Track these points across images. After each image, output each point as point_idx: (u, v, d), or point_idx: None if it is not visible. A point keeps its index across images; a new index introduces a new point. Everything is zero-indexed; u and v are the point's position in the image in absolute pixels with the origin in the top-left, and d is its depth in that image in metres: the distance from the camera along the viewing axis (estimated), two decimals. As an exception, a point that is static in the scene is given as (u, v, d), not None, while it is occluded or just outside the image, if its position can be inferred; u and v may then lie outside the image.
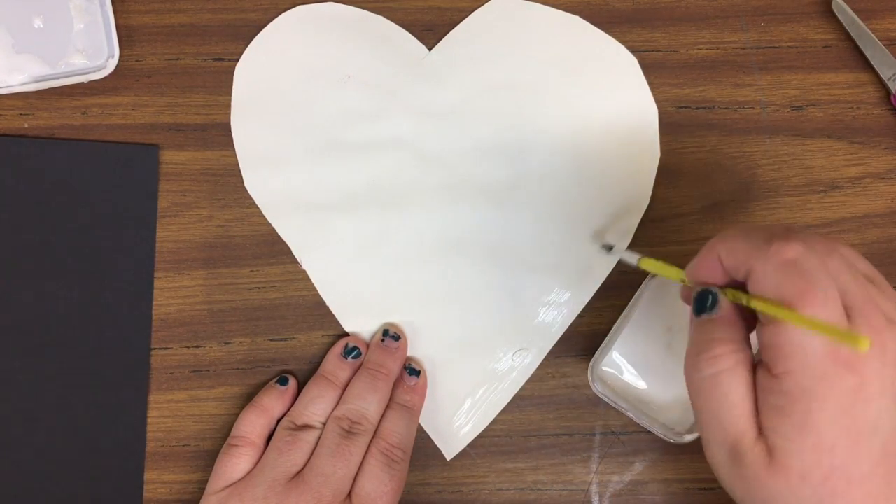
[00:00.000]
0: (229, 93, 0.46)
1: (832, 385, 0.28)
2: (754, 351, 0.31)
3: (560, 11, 0.46)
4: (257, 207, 0.45)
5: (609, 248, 0.44)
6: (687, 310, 0.42)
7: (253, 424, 0.42)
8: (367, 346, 0.44)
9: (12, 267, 0.44)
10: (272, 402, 0.43)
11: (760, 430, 0.29)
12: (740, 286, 0.31)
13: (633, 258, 0.39)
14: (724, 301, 0.31)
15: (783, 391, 0.29)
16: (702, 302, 0.32)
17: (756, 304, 0.30)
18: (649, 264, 0.37)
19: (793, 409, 0.28)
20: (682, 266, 0.35)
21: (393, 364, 0.43)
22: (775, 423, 0.29)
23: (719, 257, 0.32)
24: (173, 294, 0.45)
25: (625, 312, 0.42)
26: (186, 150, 0.45)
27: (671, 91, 0.46)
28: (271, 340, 0.45)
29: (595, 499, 0.44)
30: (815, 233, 0.32)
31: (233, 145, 0.45)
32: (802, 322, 0.28)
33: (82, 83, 0.45)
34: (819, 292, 0.28)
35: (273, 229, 0.45)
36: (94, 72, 0.44)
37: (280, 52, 0.46)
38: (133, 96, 0.46)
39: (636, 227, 0.45)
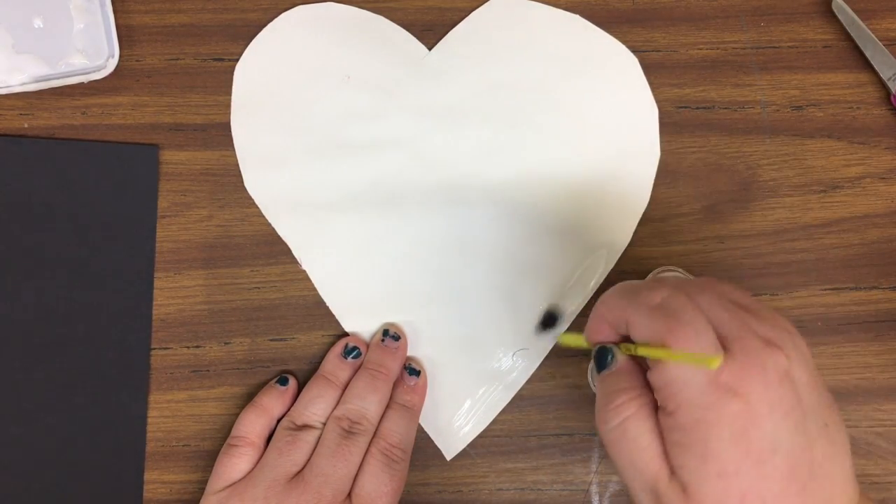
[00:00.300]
0: (229, 93, 0.46)
1: (720, 412, 0.29)
2: None
3: (560, 11, 0.46)
4: (257, 207, 0.45)
5: (545, 326, 0.45)
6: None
7: (253, 424, 0.42)
8: (367, 345, 0.44)
9: (12, 267, 0.44)
10: (272, 402, 0.43)
11: (672, 470, 0.30)
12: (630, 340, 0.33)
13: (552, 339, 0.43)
14: (619, 354, 0.33)
15: (679, 426, 0.30)
16: (601, 359, 0.34)
17: (641, 351, 0.31)
18: (566, 339, 0.38)
19: (691, 442, 0.29)
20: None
21: (393, 364, 0.43)
22: (680, 460, 0.30)
23: (604, 318, 0.33)
24: (173, 294, 0.45)
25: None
26: (186, 150, 0.45)
27: (671, 91, 0.46)
28: (271, 340, 0.45)
29: (595, 499, 0.44)
30: (687, 279, 0.34)
31: (233, 145, 0.45)
32: (661, 355, 0.30)
33: (82, 83, 0.45)
34: (685, 326, 0.30)
35: (273, 229, 0.45)
36: (94, 72, 0.44)
37: (280, 52, 0.46)
38: (133, 96, 0.46)
39: (636, 226, 0.45)
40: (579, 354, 0.45)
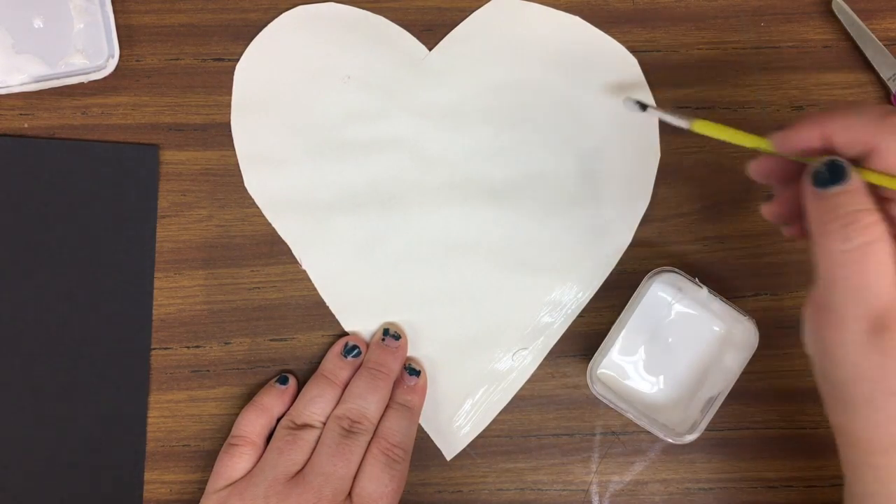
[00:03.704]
0: (229, 93, 0.46)
1: None
2: None
3: (560, 11, 0.46)
4: (257, 207, 0.45)
5: (643, 107, 0.41)
6: (685, 309, 0.42)
7: (253, 424, 0.42)
8: (367, 345, 0.44)
9: (12, 267, 0.44)
10: (272, 401, 0.43)
11: None
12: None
13: (681, 122, 0.37)
14: (854, 170, 0.30)
15: None
16: (834, 173, 0.30)
17: (878, 179, 0.29)
18: (707, 128, 0.35)
19: None
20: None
21: (393, 363, 0.43)
22: None
23: (823, 133, 0.31)
24: (173, 294, 0.45)
25: (623, 313, 0.42)
26: (186, 150, 0.45)
27: (671, 91, 0.46)
28: (271, 340, 0.45)
29: (595, 499, 0.44)
30: None
31: (233, 145, 0.45)
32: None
33: (82, 83, 0.45)
34: None
35: (273, 229, 0.45)
36: (94, 72, 0.44)
37: (280, 52, 0.46)
38: (133, 96, 0.46)
39: (636, 226, 0.45)
40: (578, 355, 0.45)
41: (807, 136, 0.32)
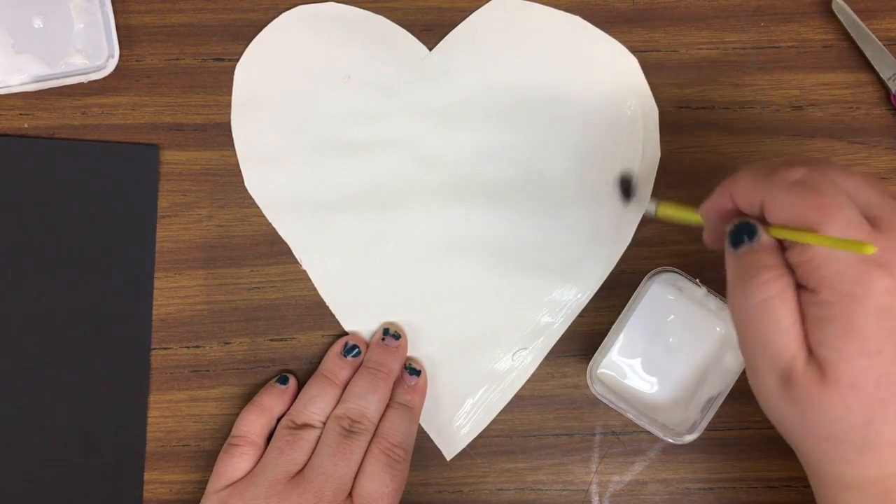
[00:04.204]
0: (229, 93, 0.46)
1: (868, 287, 0.28)
2: None
3: (560, 11, 0.46)
4: (257, 207, 0.45)
5: (627, 195, 0.42)
6: (685, 308, 0.42)
7: (253, 424, 0.42)
8: (367, 344, 0.44)
9: (12, 267, 0.44)
10: (272, 401, 0.43)
11: (810, 351, 0.29)
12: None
13: (651, 206, 0.39)
14: (762, 230, 0.31)
15: (822, 302, 0.29)
16: (740, 233, 0.32)
17: (775, 233, 0.30)
18: (668, 210, 0.38)
19: (834, 317, 0.29)
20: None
21: (394, 363, 0.43)
22: (821, 336, 0.29)
23: (731, 197, 0.33)
24: (173, 294, 0.45)
25: (623, 313, 0.42)
26: (186, 150, 0.45)
27: (671, 91, 0.46)
28: (271, 340, 0.45)
29: (595, 499, 0.44)
30: (835, 162, 0.32)
31: (233, 145, 0.45)
32: (806, 239, 0.29)
33: (82, 83, 0.45)
34: (830, 202, 0.29)
35: (273, 229, 0.45)
36: (94, 72, 0.44)
37: (280, 52, 0.46)
38: (133, 96, 0.46)
39: (636, 226, 0.45)
40: (578, 355, 0.45)
41: (721, 203, 0.33)
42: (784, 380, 0.30)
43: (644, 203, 0.42)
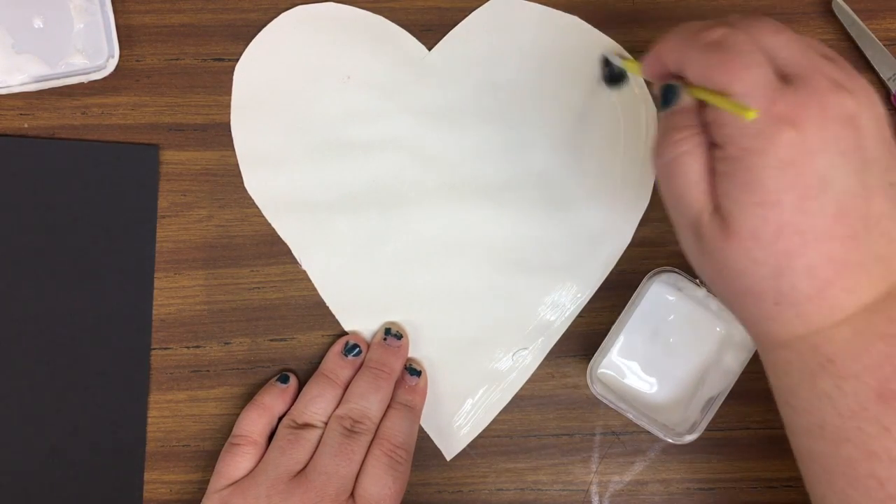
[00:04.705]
0: (229, 93, 0.46)
1: (771, 140, 0.28)
2: None
3: (559, 11, 0.46)
4: (257, 207, 0.45)
5: (605, 63, 0.45)
6: (685, 309, 0.42)
7: (254, 423, 0.42)
8: (368, 344, 0.44)
9: (12, 267, 0.44)
10: (273, 400, 0.43)
11: (717, 206, 0.30)
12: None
13: (618, 60, 0.43)
14: (684, 92, 0.32)
15: (728, 157, 0.30)
16: (665, 95, 0.33)
17: (695, 93, 0.31)
18: (631, 66, 0.40)
19: (736, 171, 0.29)
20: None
21: (395, 363, 0.43)
22: (723, 188, 0.30)
23: (661, 56, 0.33)
24: (173, 294, 0.45)
25: (623, 313, 0.42)
26: (186, 150, 0.45)
27: (671, 91, 0.46)
28: (271, 340, 0.45)
29: (595, 499, 0.44)
30: (770, 20, 0.33)
31: (233, 145, 0.45)
32: (704, 96, 0.30)
33: (82, 83, 0.45)
34: (737, 61, 0.29)
35: (273, 229, 0.45)
36: (94, 72, 0.44)
37: (280, 52, 0.46)
38: (133, 96, 0.46)
39: (636, 226, 0.45)
40: (578, 355, 0.45)
41: (652, 64, 0.34)
42: (695, 233, 0.31)
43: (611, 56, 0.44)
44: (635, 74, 0.41)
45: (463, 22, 0.46)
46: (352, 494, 0.40)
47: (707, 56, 0.30)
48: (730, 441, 0.44)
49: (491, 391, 0.45)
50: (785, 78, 0.29)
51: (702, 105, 0.31)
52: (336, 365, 0.43)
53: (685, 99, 0.32)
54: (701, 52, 0.31)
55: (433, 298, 0.45)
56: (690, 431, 0.40)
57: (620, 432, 0.45)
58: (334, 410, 0.42)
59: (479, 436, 0.45)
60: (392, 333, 0.44)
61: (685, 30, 0.32)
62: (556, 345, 0.45)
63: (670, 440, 0.40)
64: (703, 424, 0.40)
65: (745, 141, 0.29)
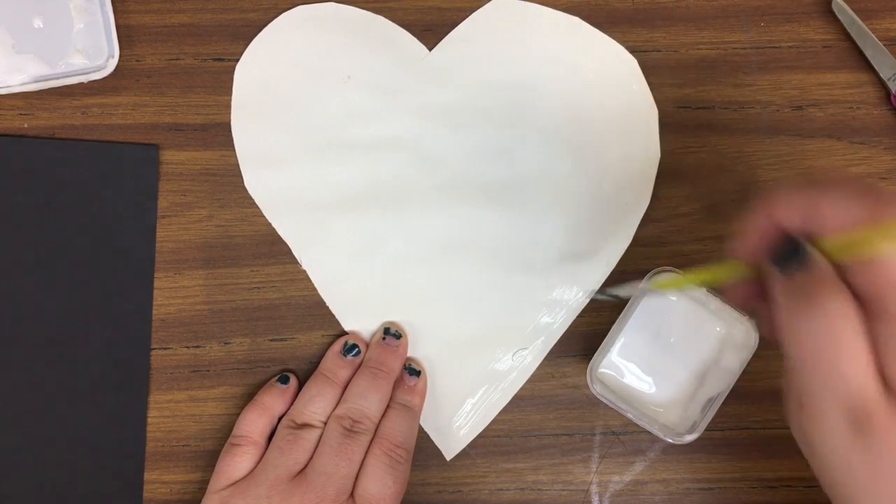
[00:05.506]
0: (229, 93, 0.46)
1: None
2: None
3: (560, 12, 0.46)
4: (257, 207, 0.45)
5: (614, 296, 0.41)
6: (685, 309, 0.42)
7: (254, 423, 0.42)
8: (367, 344, 0.44)
9: (12, 267, 0.44)
10: (273, 400, 0.43)
11: (886, 383, 0.26)
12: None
13: (644, 288, 0.38)
14: (813, 249, 0.28)
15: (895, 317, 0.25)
16: (788, 254, 0.28)
17: (839, 246, 0.27)
18: (663, 284, 0.35)
19: None
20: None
21: (394, 363, 0.43)
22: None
23: (772, 219, 0.29)
24: (173, 294, 0.45)
25: (623, 313, 0.42)
26: (186, 150, 0.45)
27: (671, 91, 0.46)
28: (271, 340, 0.45)
29: (595, 499, 0.44)
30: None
31: (233, 145, 0.45)
32: (842, 247, 0.26)
33: (82, 83, 0.45)
34: (891, 197, 0.26)
35: (273, 229, 0.45)
36: (94, 72, 0.44)
37: (280, 52, 0.46)
38: (133, 96, 0.46)
39: (636, 226, 0.45)
40: (578, 355, 0.45)
41: (757, 232, 0.30)
42: (853, 418, 0.26)
43: (624, 290, 0.41)
44: (675, 287, 0.36)
45: (463, 22, 0.46)
46: (352, 494, 0.40)
47: (858, 198, 0.27)
48: (730, 441, 0.44)
49: (491, 391, 0.45)
50: None
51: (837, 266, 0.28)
52: (335, 365, 0.43)
53: (816, 256, 0.28)
54: (845, 196, 0.27)
55: (433, 298, 0.45)
56: (690, 431, 0.40)
57: (620, 432, 0.45)
58: (333, 410, 0.42)
59: (479, 436, 0.45)
60: (391, 333, 0.44)
61: (799, 183, 0.29)
62: (556, 345, 0.45)
63: (670, 440, 0.40)
64: (703, 424, 0.40)
65: None
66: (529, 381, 0.45)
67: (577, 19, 0.46)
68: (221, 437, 0.43)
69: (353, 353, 0.44)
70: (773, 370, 0.44)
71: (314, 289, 0.45)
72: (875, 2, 0.46)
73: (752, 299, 0.32)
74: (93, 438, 0.44)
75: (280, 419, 0.43)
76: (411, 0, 0.46)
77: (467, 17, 0.46)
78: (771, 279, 0.29)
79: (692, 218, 0.45)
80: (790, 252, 0.28)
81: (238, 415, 0.43)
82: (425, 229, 0.45)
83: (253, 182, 0.45)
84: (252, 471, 0.41)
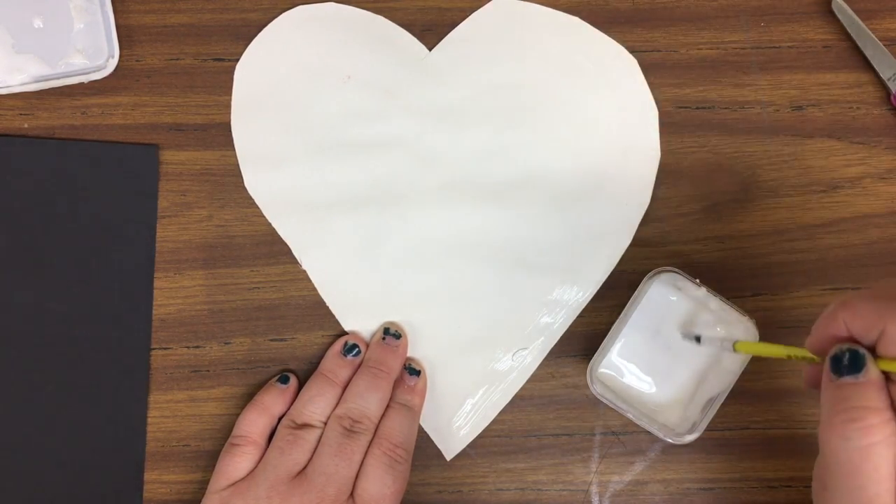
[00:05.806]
0: (229, 93, 0.46)
1: None
2: None
3: (560, 12, 0.46)
4: (257, 207, 0.45)
5: (697, 339, 0.41)
6: (685, 309, 0.42)
7: (254, 423, 0.42)
8: (367, 344, 0.44)
9: (12, 267, 0.44)
10: (273, 400, 0.43)
11: None
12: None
13: (727, 345, 0.38)
14: (872, 362, 0.29)
15: None
16: (845, 361, 0.29)
17: (885, 365, 0.28)
18: (747, 348, 0.36)
19: None
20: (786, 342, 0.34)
21: (394, 362, 0.43)
22: None
23: (844, 323, 0.30)
24: (173, 294, 0.45)
25: (623, 313, 0.42)
26: (186, 150, 0.45)
27: (671, 91, 0.46)
28: (271, 340, 0.45)
29: (595, 499, 0.44)
30: None
31: (233, 145, 0.46)
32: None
33: (82, 83, 0.45)
34: None
35: (273, 229, 0.45)
36: (94, 72, 0.44)
37: (280, 52, 0.46)
38: (133, 96, 0.46)
39: (636, 226, 0.45)
40: (578, 355, 0.45)
41: (831, 332, 0.31)
42: None
43: (712, 340, 0.40)
44: (758, 354, 0.36)
45: (463, 22, 0.46)
46: (352, 494, 0.40)
47: None
48: (730, 441, 0.44)
49: (491, 391, 0.45)
50: None
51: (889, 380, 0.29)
52: (335, 365, 0.43)
53: (872, 371, 0.29)
54: None
55: (433, 298, 0.45)
56: (690, 431, 0.40)
57: (620, 432, 0.45)
58: (333, 410, 0.42)
59: (479, 436, 0.45)
60: (391, 333, 0.44)
61: (881, 295, 0.29)
62: (556, 345, 0.45)
63: (670, 440, 0.40)
64: (703, 424, 0.40)
65: None
66: (529, 381, 0.45)
67: (577, 19, 0.46)
68: (221, 437, 0.44)
69: (353, 353, 0.44)
70: (773, 370, 0.44)
71: (314, 289, 0.45)
72: (875, 2, 0.46)
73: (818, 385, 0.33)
74: (93, 438, 0.44)
75: (280, 419, 0.43)
76: (411, 0, 0.46)
77: (467, 17, 0.46)
78: (825, 378, 0.30)
79: (692, 218, 0.45)
80: (846, 357, 0.29)
81: (238, 415, 0.43)
82: (425, 229, 0.45)
83: (253, 182, 0.45)
84: (252, 471, 0.41)
